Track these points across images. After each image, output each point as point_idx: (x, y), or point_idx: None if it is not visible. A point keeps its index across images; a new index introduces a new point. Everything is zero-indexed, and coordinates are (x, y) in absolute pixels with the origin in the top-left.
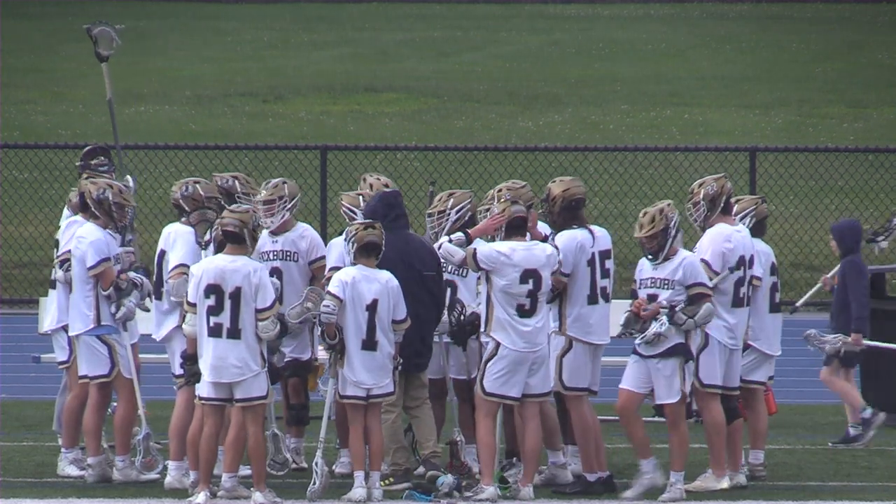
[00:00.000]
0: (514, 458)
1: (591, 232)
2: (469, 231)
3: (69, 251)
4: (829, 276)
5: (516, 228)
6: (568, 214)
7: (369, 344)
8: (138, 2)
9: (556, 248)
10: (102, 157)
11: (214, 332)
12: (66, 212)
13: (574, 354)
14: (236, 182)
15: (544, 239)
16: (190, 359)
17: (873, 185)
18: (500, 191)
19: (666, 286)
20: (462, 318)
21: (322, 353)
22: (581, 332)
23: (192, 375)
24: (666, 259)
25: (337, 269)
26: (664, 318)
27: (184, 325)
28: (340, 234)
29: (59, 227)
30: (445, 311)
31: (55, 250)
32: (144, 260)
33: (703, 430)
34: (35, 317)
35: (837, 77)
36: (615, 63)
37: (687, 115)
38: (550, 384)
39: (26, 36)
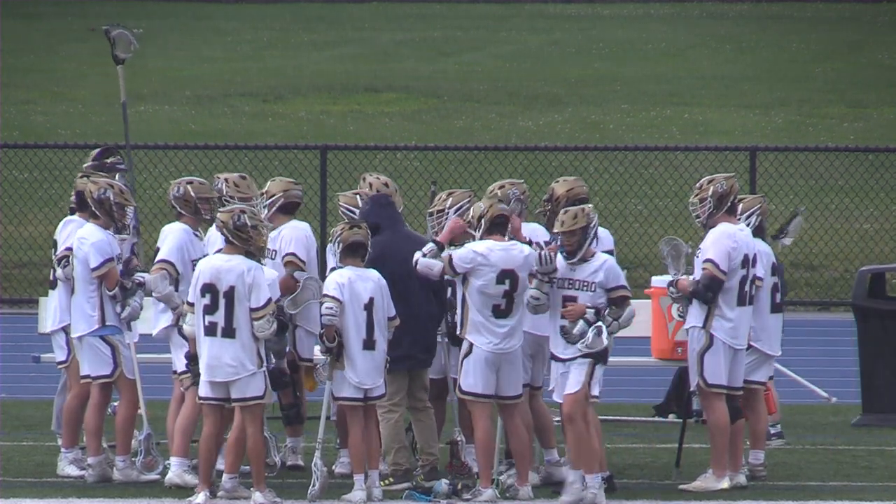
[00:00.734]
0: (510, 460)
1: None
2: (437, 239)
3: (68, 249)
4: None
5: (497, 227)
6: None
7: (369, 343)
8: (138, 2)
9: (541, 247)
10: (118, 157)
11: (210, 331)
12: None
13: None
14: (224, 185)
15: (530, 242)
16: (192, 359)
17: (873, 185)
18: (502, 187)
19: (585, 288)
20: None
21: (318, 354)
22: None
23: (196, 376)
24: (584, 260)
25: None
26: (588, 319)
27: (184, 326)
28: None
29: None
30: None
31: (53, 250)
32: (144, 259)
33: (702, 430)
34: (35, 317)
35: (837, 77)
36: (615, 63)
37: (687, 115)
38: (520, 388)
39: (26, 36)
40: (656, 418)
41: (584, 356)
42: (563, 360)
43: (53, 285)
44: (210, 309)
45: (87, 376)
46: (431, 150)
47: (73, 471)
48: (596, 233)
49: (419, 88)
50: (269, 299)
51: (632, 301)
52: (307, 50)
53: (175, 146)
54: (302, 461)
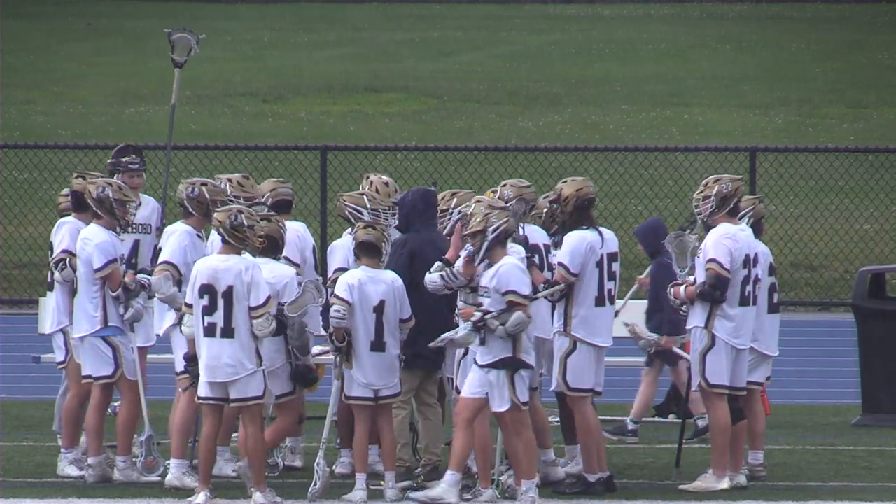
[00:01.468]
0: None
1: (600, 233)
2: (445, 258)
3: (64, 252)
4: (643, 276)
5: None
6: (579, 214)
7: (378, 345)
8: (139, 2)
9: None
10: (134, 155)
11: (209, 331)
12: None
13: (578, 355)
14: (227, 185)
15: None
16: (191, 360)
17: (873, 185)
18: (504, 185)
19: (486, 294)
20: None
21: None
22: (586, 333)
23: (196, 377)
24: (490, 266)
25: (341, 270)
26: (470, 322)
27: (183, 327)
28: (341, 235)
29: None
30: None
31: (49, 252)
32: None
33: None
34: (35, 317)
35: (837, 77)
36: (615, 63)
37: (687, 115)
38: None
39: (26, 36)
40: (656, 418)
41: (498, 367)
42: (482, 367)
43: (51, 287)
44: (208, 310)
45: (89, 376)
46: (431, 150)
47: (73, 471)
48: (497, 240)
49: (419, 88)
50: (269, 297)
51: (527, 307)
52: (307, 50)
53: (175, 146)
54: (301, 462)
